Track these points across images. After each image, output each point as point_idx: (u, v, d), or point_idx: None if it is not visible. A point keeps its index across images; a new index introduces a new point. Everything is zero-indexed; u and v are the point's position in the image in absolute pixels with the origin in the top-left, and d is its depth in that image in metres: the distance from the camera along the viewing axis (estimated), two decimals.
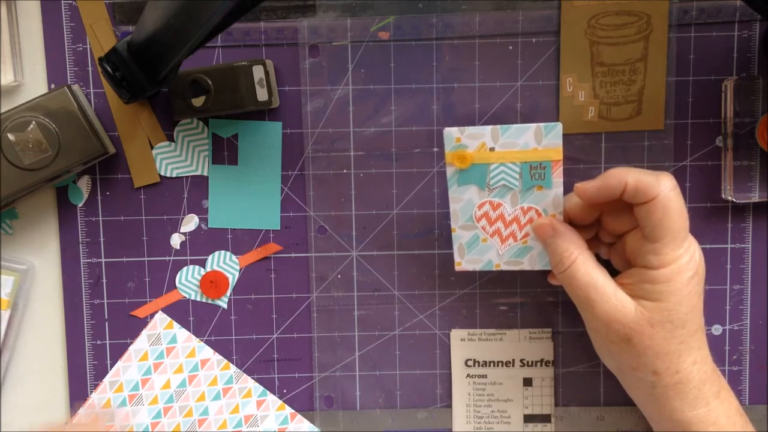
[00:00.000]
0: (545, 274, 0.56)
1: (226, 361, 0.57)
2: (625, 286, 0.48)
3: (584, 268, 0.48)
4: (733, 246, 0.56)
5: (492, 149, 0.49)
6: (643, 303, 0.47)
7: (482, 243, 0.51)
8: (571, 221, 0.50)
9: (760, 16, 0.53)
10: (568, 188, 0.50)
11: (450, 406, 0.58)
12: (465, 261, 0.52)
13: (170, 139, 0.56)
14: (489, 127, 0.49)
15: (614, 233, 0.50)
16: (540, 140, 0.48)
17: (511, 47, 0.54)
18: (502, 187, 0.50)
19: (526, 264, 0.51)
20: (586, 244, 0.49)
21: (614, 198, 0.47)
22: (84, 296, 0.57)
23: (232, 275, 0.57)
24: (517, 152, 0.49)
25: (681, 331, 0.46)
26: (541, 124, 0.48)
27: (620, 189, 0.46)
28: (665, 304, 0.46)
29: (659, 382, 0.47)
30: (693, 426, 0.47)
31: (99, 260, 0.56)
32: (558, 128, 0.48)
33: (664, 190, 0.45)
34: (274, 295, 0.57)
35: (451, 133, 0.49)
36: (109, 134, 0.55)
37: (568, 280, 0.48)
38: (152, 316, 0.57)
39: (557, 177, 0.49)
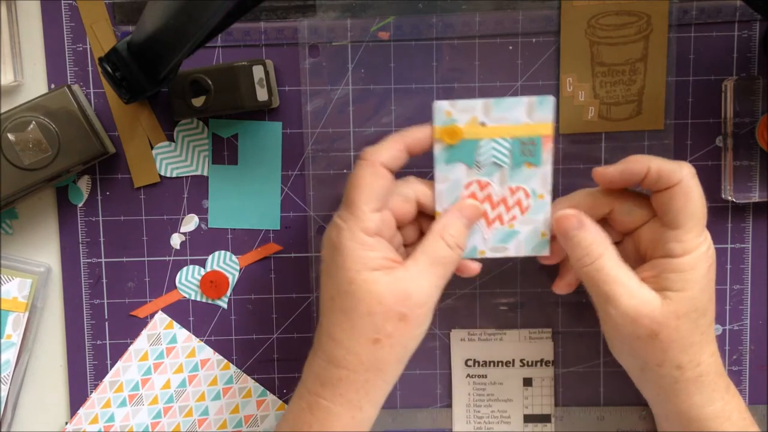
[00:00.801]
0: (545, 273, 0.56)
1: (226, 361, 0.57)
2: (646, 279, 0.47)
3: (611, 262, 0.47)
4: (733, 246, 0.56)
5: (483, 124, 0.48)
6: (668, 294, 0.46)
7: (476, 202, 0.49)
8: None
9: (760, 16, 0.53)
10: (568, 186, 0.50)
11: (450, 406, 0.58)
12: None
13: (170, 139, 0.56)
14: (481, 101, 0.48)
15: (625, 230, 0.50)
16: (531, 114, 0.48)
17: (511, 47, 0.54)
18: (491, 164, 0.49)
19: (512, 250, 0.50)
20: (609, 239, 0.48)
21: (634, 183, 0.47)
22: (84, 296, 0.57)
23: (232, 275, 0.57)
24: (508, 127, 0.48)
25: (703, 320, 0.46)
26: (534, 97, 0.47)
27: (642, 174, 0.46)
28: (690, 292, 0.46)
29: (682, 376, 0.47)
30: (710, 422, 0.47)
31: (99, 260, 0.56)
32: (550, 101, 0.47)
33: (686, 175, 0.45)
34: (274, 295, 0.57)
35: (441, 106, 0.48)
36: (109, 134, 0.55)
37: (594, 274, 0.47)
38: (152, 316, 0.57)
39: (547, 153, 0.48)
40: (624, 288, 0.46)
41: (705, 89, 0.54)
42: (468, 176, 0.49)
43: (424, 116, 0.55)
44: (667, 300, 0.46)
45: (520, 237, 0.50)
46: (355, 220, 0.46)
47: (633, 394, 0.57)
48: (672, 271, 0.46)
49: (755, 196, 0.53)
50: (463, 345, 0.57)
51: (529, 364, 0.57)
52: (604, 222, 0.50)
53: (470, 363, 0.57)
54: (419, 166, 0.53)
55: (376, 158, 0.47)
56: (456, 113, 0.48)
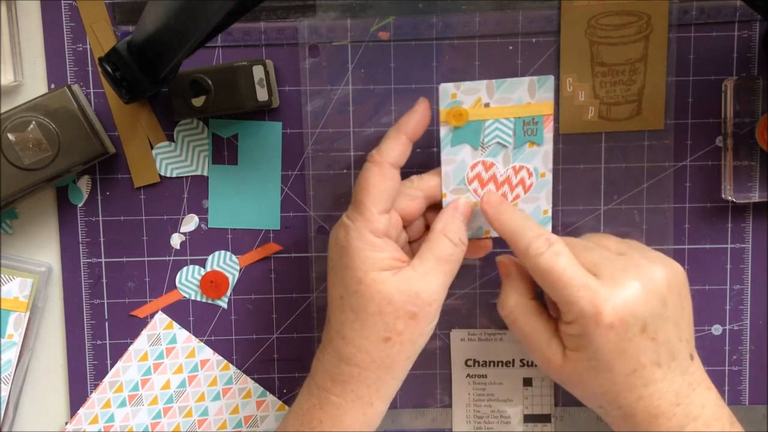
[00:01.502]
0: None
1: (225, 361, 0.57)
2: (561, 331, 0.47)
3: (523, 318, 0.48)
4: (733, 246, 0.56)
5: (487, 105, 0.49)
6: (568, 353, 0.46)
7: (472, 200, 0.50)
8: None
9: (760, 16, 0.53)
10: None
11: (450, 406, 0.58)
12: None
13: (170, 139, 0.56)
14: (485, 82, 0.49)
15: None
16: (533, 94, 0.49)
17: (511, 47, 0.54)
18: (495, 145, 0.50)
19: None
20: (533, 291, 0.49)
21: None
22: (84, 296, 0.57)
23: (232, 275, 0.57)
24: (511, 107, 0.49)
25: (608, 375, 0.45)
26: (534, 77, 0.48)
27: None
28: (585, 353, 0.45)
29: (606, 414, 0.48)
30: None
31: (99, 260, 0.56)
32: (550, 81, 0.48)
33: (533, 259, 0.46)
34: (274, 295, 0.57)
35: (447, 89, 0.49)
36: (109, 134, 0.55)
37: (508, 323, 0.49)
38: (152, 316, 0.57)
39: (548, 132, 0.49)
40: (531, 342, 0.48)
41: (705, 89, 0.54)
42: (473, 157, 0.50)
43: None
44: (567, 358, 0.47)
45: None
46: (364, 221, 0.47)
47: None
48: (568, 335, 0.46)
49: (755, 196, 0.53)
50: (463, 345, 0.57)
51: (529, 364, 0.57)
52: None
53: (470, 363, 0.57)
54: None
55: (383, 159, 0.47)
56: (461, 95, 0.49)
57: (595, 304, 0.44)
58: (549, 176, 0.50)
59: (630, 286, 0.45)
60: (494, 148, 0.50)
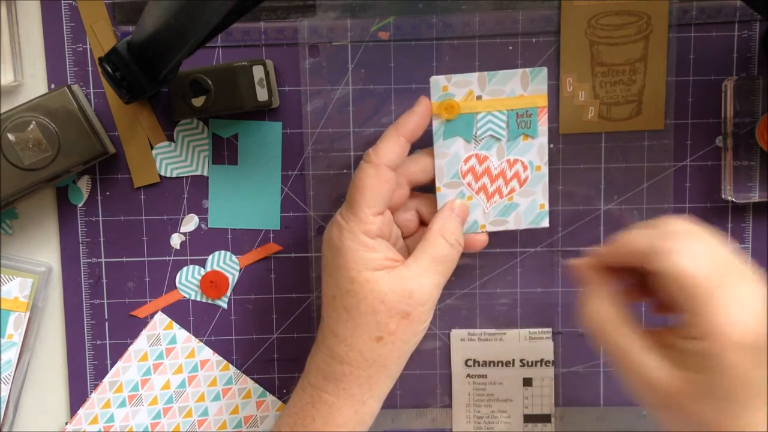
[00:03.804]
0: (545, 273, 0.56)
1: (225, 361, 0.57)
2: (667, 348, 0.41)
3: (615, 329, 0.42)
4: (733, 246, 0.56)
5: (479, 97, 0.49)
6: (680, 373, 0.40)
7: (467, 202, 0.50)
8: None
9: (760, 16, 0.53)
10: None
11: (450, 406, 0.58)
12: None
13: (170, 139, 0.56)
14: (476, 74, 0.48)
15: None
16: (526, 86, 0.48)
17: (511, 47, 0.54)
18: (488, 138, 0.49)
19: (511, 223, 0.51)
20: (621, 297, 0.44)
21: (629, 265, 0.43)
22: (84, 296, 0.57)
23: (232, 275, 0.57)
24: (503, 100, 0.49)
25: (725, 404, 0.39)
26: (527, 69, 0.48)
27: (632, 259, 0.42)
28: (707, 376, 0.39)
29: None
30: None
31: (99, 260, 0.56)
32: (543, 73, 0.48)
33: (671, 260, 0.40)
34: (274, 295, 0.57)
35: (438, 81, 0.48)
36: (109, 134, 0.55)
37: (596, 335, 0.44)
38: (152, 316, 0.57)
39: (543, 125, 0.49)
40: (637, 363, 0.41)
41: (705, 89, 0.54)
42: (466, 150, 0.50)
43: None
44: (675, 377, 0.40)
45: (519, 210, 0.51)
46: (358, 222, 0.47)
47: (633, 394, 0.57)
48: (687, 352, 0.39)
49: (755, 196, 0.53)
50: (463, 345, 0.57)
51: (529, 364, 0.57)
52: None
53: (470, 363, 0.57)
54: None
55: (380, 160, 0.47)
56: (452, 87, 0.49)
57: (734, 321, 0.38)
58: (545, 169, 0.50)
59: (739, 320, 0.38)
60: (487, 141, 0.49)
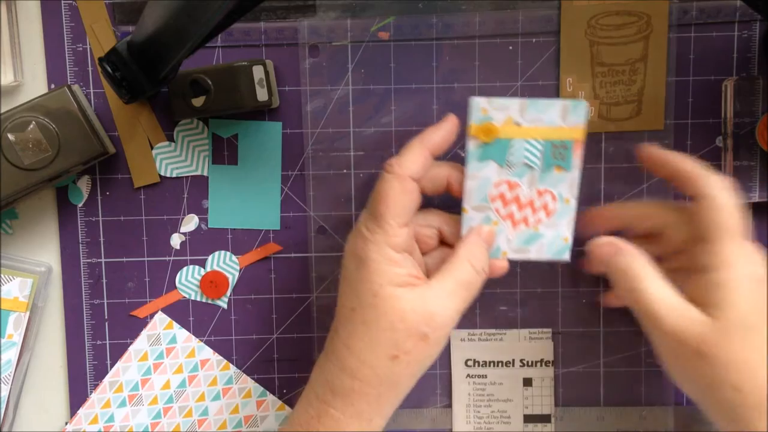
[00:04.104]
0: (545, 274, 0.56)
1: (225, 361, 0.57)
2: (693, 297, 0.45)
3: (653, 284, 0.46)
4: None
5: (518, 124, 0.48)
6: (713, 312, 0.44)
7: (493, 227, 0.50)
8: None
9: (760, 16, 0.53)
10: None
11: (450, 406, 0.58)
12: None
13: (170, 139, 0.56)
14: (517, 100, 0.48)
15: (675, 246, 0.49)
16: (565, 118, 0.48)
17: (511, 47, 0.54)
18: (522, 165, 0.49)
19: (533, 252, 0.50)
20: (648, 259, 0.47)
21: (666, 177, 0.49)
22: (84, 296, 0.57)
23: (232, 275, 0.57)
24: (541, 129, 0.48)
25: (758, 339, 0.44)
26: (568, 101, 0.48)
27: (675, 173, 0.48)
28: (736, 309, 0.44)
29: (743, 401, 0.43)
30: None
31: (99, 260, 0.56)
32: (583, 107, 0.48)
33: (715, 189, 0.46)
34: (274, 295, 0.57)
35: (478, 103, 0.48)
36: (109, 134, 0.55)
37: (636, 296, 0.46)
38: (152, 316, 0.57)
39: (577, 159, 0.49)
40: (667, 308, 0.45)
41: (705, 89, 0.54)
42: (498, 175, 0.49)
43: (424, 116, 0.55)
44: (713, 318, 0.44)
45: (543, 240, 0.50)
46: (384, 234, 0.46)
47: (633, 394, 0.57)
48: (714, 287, 0.44)
49: (755, 196, 0.53)
50: (463, 345, 0.57)
51: (529, 364, 0.57)
52: (654, 236, 0.50)
53: (470, 363, 0.57)
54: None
55: (404, 171, 0.46)
56: (492, 111, 0.48)
57: (747, 258, 0.45)
58: (573, 203, 0.49)
59: (755, 259, 0.47)
60: (520, 169, 0.49)
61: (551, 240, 0.50)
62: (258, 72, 0.52)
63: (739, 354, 0.43)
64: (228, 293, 0.57)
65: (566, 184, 0.49)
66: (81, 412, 0.57)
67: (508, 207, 0.49)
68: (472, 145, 0.49)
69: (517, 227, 0.50)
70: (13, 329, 0.56)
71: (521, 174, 0.49)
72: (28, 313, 0.56)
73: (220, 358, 0.57)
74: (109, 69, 0.49)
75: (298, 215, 0.56)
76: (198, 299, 0.57)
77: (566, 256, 0.50)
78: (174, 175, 0.56)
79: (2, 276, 0.56)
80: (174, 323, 0.57)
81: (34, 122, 0.51)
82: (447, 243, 0.51)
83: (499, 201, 0.49)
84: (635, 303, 0.46)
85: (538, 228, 0.50)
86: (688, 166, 0.47)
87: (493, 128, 0.48)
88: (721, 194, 0.45)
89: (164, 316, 0.57)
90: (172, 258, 0.57)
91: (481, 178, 0.49)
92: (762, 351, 0.43)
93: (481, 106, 0.48)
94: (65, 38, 0.55)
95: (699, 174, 0.46)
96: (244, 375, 0.58)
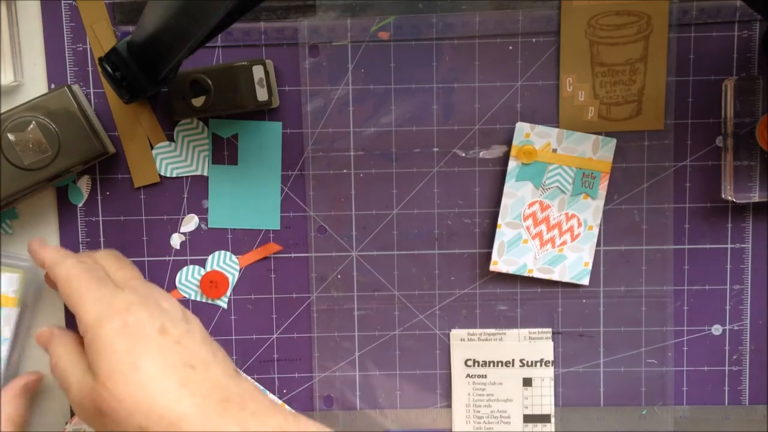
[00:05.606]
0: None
1: None
2: None
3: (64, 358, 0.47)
4: (733, 246, 0.56)
5: (554, 150, 0.53)
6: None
7: (523, 244, 0.54)
8: None
9: (760, 16, 0.53)
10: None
11: (450, 406, 0.58)
12: (502, 261, 0.54)
13: (170, 139, 0.56)
14: (556, 129, 0.53)
15: None
16: (596, 151, 0.53)
17: (511, 47, 0.54)
18: (555, 189, 0.53)
19: (557, 274, 0.54)
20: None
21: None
22: None
23: (232, 275, 0.57)
24: (574, 158, 0.53)
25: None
26: (600, 137, 0.53)
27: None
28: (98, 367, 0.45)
29: None
30: None
31: None
32: (612, 143, 0.53)
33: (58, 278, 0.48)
34: (274, 295, 0.57)
35: (522, 127, 0.53)
36: (109, 134, 0.55)
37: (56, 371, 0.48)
38: None
39: (602, 189, 0.53)
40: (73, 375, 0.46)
41: (705, 89, 0.54)
42: (533, 196, 0.54)
43: (424, 116, 0.55)
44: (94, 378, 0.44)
45: (566, 262, 0.54)
46: None
47: (633, 394, 0.57)
48: (88, 350, 0.45)
49: (755, 196, 0.53)
50: (463, 345, 0.57)
51: (529, 364, 0.57)
52: None
53: (470, 363, 0.57)
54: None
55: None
56: (534, 136, 0.53)
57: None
58: (596, 230, 0.54)
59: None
60: (553, 192, 0.53)
61: (573, 263, 0.54)
62: (258, 72, 0.52)
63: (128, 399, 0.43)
64: (228, 293, 0.57)
65: (591, 211, 0.53)
66: None
67: (538, 226, 0.54)
68: (512, 165, 0.53)
69: (545, 247, 0.54)
70: (4, 324, 0.55)
71: (553, 197, 0.53)
72: (18, 309, 0.55)
73: None
74: (109, 69, 0.49)
75: (298, 215, 0.56)
76: (198, 299, 0.57)
77: (585, 281, 0.55)
78: (174, 175, 0.56)
79: (2, 276, 0.55)
80: None
81: (34, 122, 0.51)
82: None
83: (531, 220, 0.54)
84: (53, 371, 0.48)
85: (563, 250, 0.54)
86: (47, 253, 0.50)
87: (533, 151, 0.53)
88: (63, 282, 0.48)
89: None
90: (172, 258, 0.57)
91: (516, 197, 0.53)
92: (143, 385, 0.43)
93: (524, 131, 0.53)
94: (65, 38, 0.55)
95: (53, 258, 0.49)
96: (244, 375, 0.57)
